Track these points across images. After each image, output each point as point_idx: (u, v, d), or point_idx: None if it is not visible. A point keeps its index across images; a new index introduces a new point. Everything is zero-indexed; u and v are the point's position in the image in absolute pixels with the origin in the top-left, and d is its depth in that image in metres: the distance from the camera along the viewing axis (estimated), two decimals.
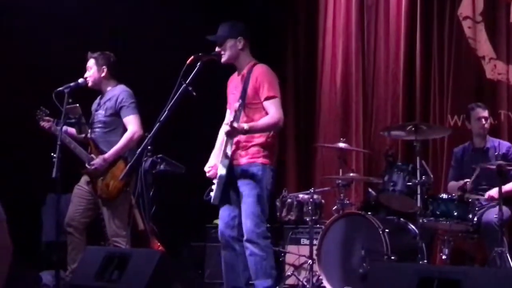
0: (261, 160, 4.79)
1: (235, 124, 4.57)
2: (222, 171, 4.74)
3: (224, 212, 4.90)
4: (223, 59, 4.88)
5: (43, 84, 5.66)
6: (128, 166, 4.80)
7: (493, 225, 5.44)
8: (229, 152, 4.73)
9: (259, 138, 4.80)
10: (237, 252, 4.85)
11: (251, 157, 4.79)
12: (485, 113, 6.08)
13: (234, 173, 4.79)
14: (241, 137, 4.77)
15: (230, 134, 4.66)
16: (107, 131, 5.58)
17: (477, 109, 6.10)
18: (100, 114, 5.61)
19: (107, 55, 5.66)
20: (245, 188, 4.75)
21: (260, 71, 4.85)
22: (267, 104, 4.77)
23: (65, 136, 5.43)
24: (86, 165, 5.49)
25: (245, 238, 4.75)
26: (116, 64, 5.68)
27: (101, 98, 5.68)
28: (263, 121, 4.74)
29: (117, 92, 5.59)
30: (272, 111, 4.74)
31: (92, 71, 5.62)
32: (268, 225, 4.91)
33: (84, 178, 5.58)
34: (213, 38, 4.90)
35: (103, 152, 5.49)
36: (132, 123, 5.48)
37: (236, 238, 4.85)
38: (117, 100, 5.54)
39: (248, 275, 4.86)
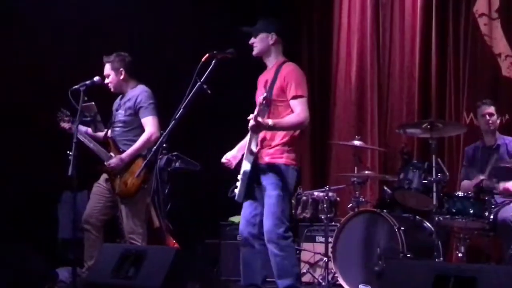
0: (284, 160, 4.77)
1: (259, 119, 4.55)
2: (246, 167, 4.73)
3: (246, 209, 4.89)
4: (254, 52, 4.92)
5: (61, 81, 5.69)
6: (144, 163, 4.81)
7: (509, 223, 5.41)
8: (254, 148, 4.72)
9: (284, 138, 4.79)
10: (256, 250, 4.84)
11: (275, 157, 4.77)
12: (490, 109, 6.04)
13: (258, 170, 4.77)
14: (266, 135, 4.77)
15: (254, 129, 4.63)
16: (126, 130, 5.61)
17: (482, 106, 6.08)
18: (120, 114, 5.64)
19: (122, 56, 5.67)
20: (267, 188, 4.74)
21: (289, 69, 4.86)
22: (294, 103, 4.77)
23: (84, 135, 5.48)
24: (105, 163, 5.52)
25: (265, 238, 4.75)
26: (132, 63, 5.69)
27: (121, 98, 5.71)
28: (289, 119, 4.72)
29: (137, 92, 5.61)
30: (298, 110, 4.74)
31: (110, 77, 5.64)
32: (288, 225, 4.90)
33: (103, 176, 5.61)
34: (247, 30, 4.93)
35: (122, 151, 5.52)
36: (149, 125, 5.50)
37: (257, 236, 4.84)
38: (136, 100, 5.56)
39: (265, 273, 4.87)
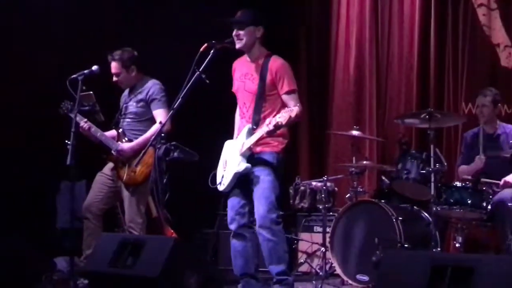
0: (275, 148, 4.83)
1: (275, 121, 4.51)
2: (244, 163, 4.76)
3: (235, 200, 4.91)
4: (239, 45, 4.87)
5: (58, 71, 5.68)
6: (142, 152, 4.83)
7: (506, 204, 5.34)
8: (252, 145, 4.76)
9: None
10: (247, 239, 4.88)
11: (266, 146, 4.82)
12: (484, 101, 6.02)
13: (250, 160, 4.80)
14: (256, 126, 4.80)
15: (272, 133, 4.62)
16: (137, 121, 5.65)
17: (479, 96, 6.10)
18: (131, 106, 5.67)
19: (130, 52, 5.67)
20: (260, 174, 4.77)
21: (279, 64, 4.86)
22: (287, 98, 4.80)
23: (90, 124, 5.49)
24: (112, 151, 5.53)
25: (257, 224, 4.77)
26: (139, 57, 5.71)
27: (130, 92, 5.72)
28: (289, 113, 4.58)
29: (149, 85, 5.65)
30: (293, 105, 4.74)
31: (121, 75, 5.65)
32: (281, 212, 4.93)
33: (108, 166, 5.64)
34: (235, 21, 4.88)
35: (130, 140, 5.56)
36: (161, 117, 5.50)
37: (247, 225, 4.89)
38: (148, 92, 5.60)
39: (257, 262, 4.92)
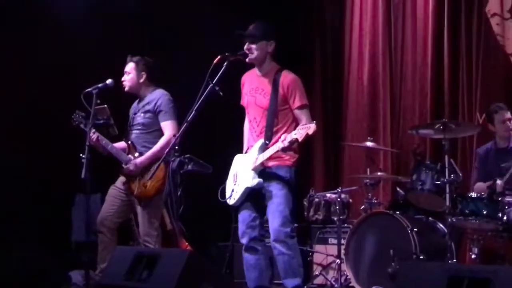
0: (288, 162, 4.84)
1: (290, 138, 4.52)
2: (256, 177, 4.76)
3: (246, 213, 4.91)
4: (251, 58, 4.87)
5: (74, 84, 5.70)
6: (156, 165, 4.83)
7: None
8: (265, 161, 4.76)
9: None
10: (259, 252, 4.87)
11: (278, 160, 4.81)
12: (509, 115, 6.03)
13: (262, 175, 4.80)
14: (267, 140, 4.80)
15: (286, 150, 4.63)
16: (145, 132, 5.65)
17: (501, 112, 6.04)
18: (139, 117, 5.67)
19: (148, 61, 5.71)
20: (273, 188, 4.77)
21: (290, 78, 4.87)
22: (299, 113, 4.82)
23: (102, 138, 5.50)
24: (123, 165, 5.54)
25: (272, 238, 4.77)
26: (156, 69, 5.73)
27: (139, 102, 5.74)
28: (306, 131, 4.55)
29: (157, 95, 5.65)
30: (305, 120, 4.76)
31: (130, 76, 5.67)
32: (296, 224, 4.92)
33: (120, 179, 5.64)
34: (247, 35, 4.88)
35: (141, 154, 5.57)
36: (169, 129, 5.53)
37: (258, 239, 4.89)
38: (156, 103, 5.60)
39: (270, 274, 4.92)
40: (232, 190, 4.89)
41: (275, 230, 4.74)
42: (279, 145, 4.59)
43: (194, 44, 7.27)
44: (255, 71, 4.99)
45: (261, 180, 4.76)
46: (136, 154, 5.58)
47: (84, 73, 6.13)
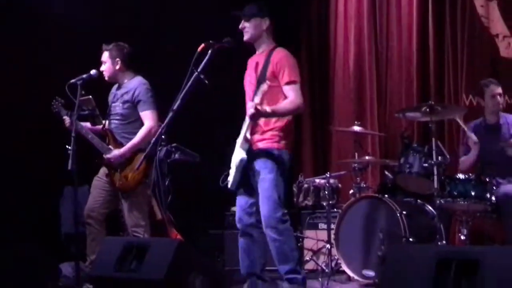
0: (278, 145, 4.79)
1: (259, 107, 4.53)
2: (242, 154, 4.72)
3: (242, 199, 4.91)
4: (246, 37, 4.90)
5: (59, 75, 5.67)
6: (143, 156, 4.79)
7: (510, 194, 5.36)
8: (248, 135, 4.73)
9: (277, 123, 4.80)
10: (254, 238, 4.86)
11: (269, 142, 4.78)
12: (499, 90, 6.02)
13: (252, 156, 4.77)
14: (260, 121, 4.77)
15: (254, 117, 4.63)
16: (125, 123, 5.59)
17: (491, 86, 6.02)
18: (118, 107, 5.60)
19: (121, 46, 5.64)
20: (262, 172, 4.74)
21: (281, 55, 4.85)
22: (287, 89, 4.77)
23: (81, 127, 5.45)
24: (104, 156, 5.50)
25: (263, 224, 4.75)
26: (131, 55, 5.66)
27: (118, 89, 5.68)
28: (285, 105, 4.71)
29: (135, 84, 5.58)
30: (292, 96, 4.73)
31: (107, 65, 5.62)
32: (285, 210, 4.91)
33: (103, 170, 5.60)
34: (240, 14, 4.89)
35: (121, 144, 5.51)
36: (148, 118, 5.48)
37: (254, 225, 4.87)
38: (134, 93, 5.53)
39: (263, 261, 4.90)
40: (228, 173, 4.86)
41: (265, 217, 4.73)
42: (248, 113, 4.56)
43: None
44: (256, 52, 4.99)
45: (244, 156, 4.70)
46: (115, 143, 5.52)
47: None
